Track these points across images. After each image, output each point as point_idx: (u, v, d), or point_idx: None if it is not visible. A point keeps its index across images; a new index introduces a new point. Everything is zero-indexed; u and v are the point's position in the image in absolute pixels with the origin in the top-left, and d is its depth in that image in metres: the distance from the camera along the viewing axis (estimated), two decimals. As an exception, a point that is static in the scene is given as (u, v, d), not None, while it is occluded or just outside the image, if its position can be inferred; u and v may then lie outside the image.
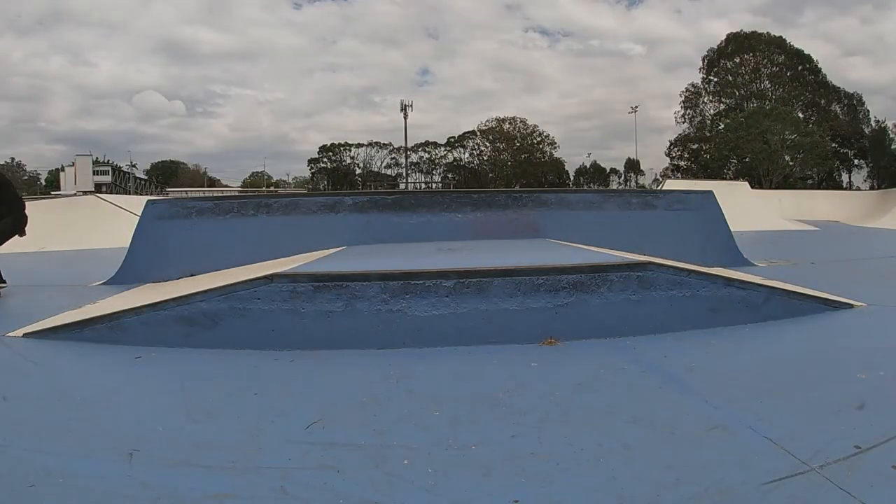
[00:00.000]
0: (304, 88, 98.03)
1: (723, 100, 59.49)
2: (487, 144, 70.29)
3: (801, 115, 54.12)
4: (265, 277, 3.22)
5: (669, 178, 47.13)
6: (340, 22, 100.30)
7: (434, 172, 73.36)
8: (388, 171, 73.22)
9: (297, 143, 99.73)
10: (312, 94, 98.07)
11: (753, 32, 58.72)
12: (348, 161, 72.94)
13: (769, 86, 58.34)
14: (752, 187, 21.54)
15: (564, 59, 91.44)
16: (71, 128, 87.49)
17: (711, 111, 60.21)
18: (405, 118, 63.27)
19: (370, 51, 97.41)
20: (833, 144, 53.69)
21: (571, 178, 71.07)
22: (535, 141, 69.46)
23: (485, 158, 70.40)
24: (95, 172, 63.77)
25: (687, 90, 61.42)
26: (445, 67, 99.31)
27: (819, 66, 57.52)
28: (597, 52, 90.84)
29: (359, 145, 72.71)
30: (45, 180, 70.62)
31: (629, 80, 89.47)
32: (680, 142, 60.79)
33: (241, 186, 74.87)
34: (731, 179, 38.40)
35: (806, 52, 58.12)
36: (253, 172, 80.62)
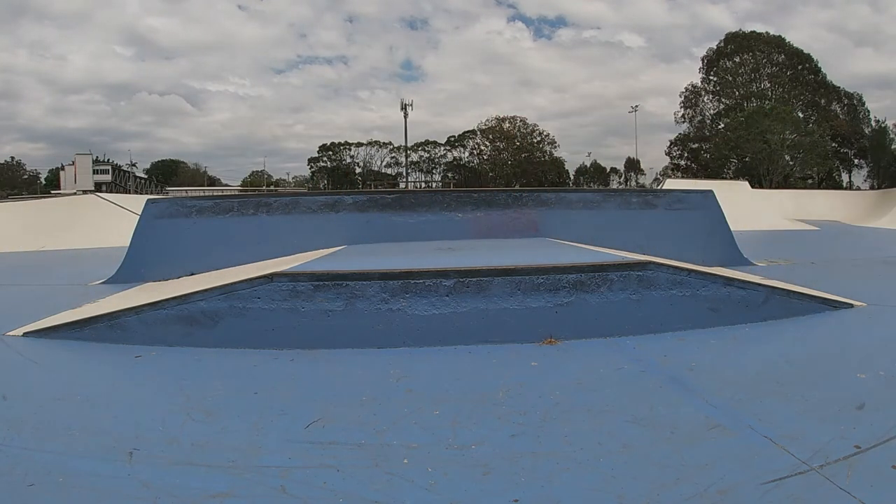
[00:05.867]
0: (284, 84, 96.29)
1: (722, 100, 59.45)
2: (487, 144, 70.24)
3: (801, 114, 54.06)
4: (265, 276, 3.22)
5: (670, 177, 47.06)
6: (312, 12, 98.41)
7: (434, 171, 73.35)
8: (388, 171, 73.24)
9: (286, 140, 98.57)
10: (293, 89, 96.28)
11: (752, 32, 58.69)
12: (348, 160, 72.97)
13: (769, 85, 58.28)
14: (752, 187, 21.57)
15: (557, 49, 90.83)
16: (50, 126, 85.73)
17: (711, 111, 60.21)
18: (405, 117, 63.25)
19: (348, 42, 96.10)
20: (833, 144, 53.66)
21: (571, 177, 71.03)
22: (534, 140, 69.44)
23: (485, 158, 70.35)
24: (95, 171, 63.62)
25: (686, 90, 61.44)
26: (431, 60, 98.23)
27: (819, 65, 57.53)
28: (591, 43, 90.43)
29: (358, 144, 72.77)
30: (45, 179, 70.54)
31: (624, 72, 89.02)
32: (680, 141, 60.76)
33: (241, 185, 74.80)
34: (731, 179, 38.40)
35: (808, 47, 58.08)
36: (253, 171, 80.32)
